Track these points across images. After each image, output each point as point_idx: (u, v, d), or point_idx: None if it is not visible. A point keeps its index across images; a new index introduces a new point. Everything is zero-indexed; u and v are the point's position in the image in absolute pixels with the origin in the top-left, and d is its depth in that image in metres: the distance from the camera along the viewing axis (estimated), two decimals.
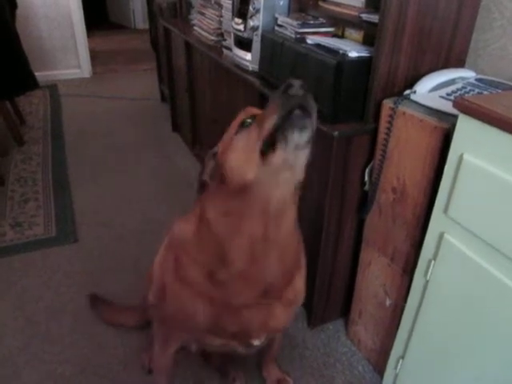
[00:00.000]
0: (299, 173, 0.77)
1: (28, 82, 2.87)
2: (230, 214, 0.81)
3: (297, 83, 0.69)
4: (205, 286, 0.89)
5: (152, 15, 3.52)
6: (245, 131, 0.76)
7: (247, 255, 0.83)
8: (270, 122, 0.70)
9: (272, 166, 0.73)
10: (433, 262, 1.00)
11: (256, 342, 0.99)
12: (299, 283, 0.97)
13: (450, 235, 0.94)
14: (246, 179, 0.74)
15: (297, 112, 0.69)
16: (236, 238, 0.82)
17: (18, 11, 3.04)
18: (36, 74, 2.95)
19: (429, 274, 1.02)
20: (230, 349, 1.05)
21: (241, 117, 0.80)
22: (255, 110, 0.81)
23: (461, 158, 0.87)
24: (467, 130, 0.85)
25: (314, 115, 0.71)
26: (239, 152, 0.76)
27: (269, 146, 0.71)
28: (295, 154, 0.72)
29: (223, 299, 0.89)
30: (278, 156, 0.71)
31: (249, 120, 0.77)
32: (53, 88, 4.04)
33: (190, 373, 1.38)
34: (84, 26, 4.29)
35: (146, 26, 4.64)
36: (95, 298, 1.57)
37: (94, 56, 4.72)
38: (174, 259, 0.94)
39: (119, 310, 1.54)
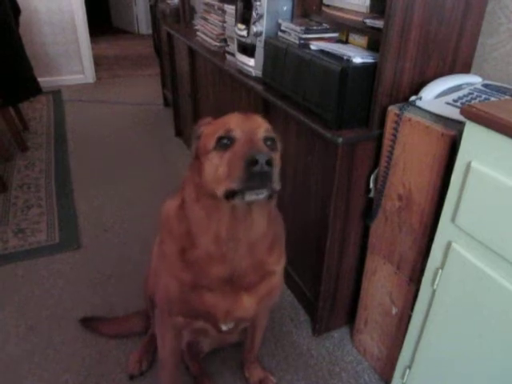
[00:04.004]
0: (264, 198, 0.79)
1: (31, 88, 2.89)
2: (201, 203, 0.86)
3: (262, 159, 0.71)
4: (177, 262, 0.95)
5: (155, 21, 3.53)
6: (219, 155, 0.79)
7: (212, 244, 0.88)
8: (233, 181, 0.75)
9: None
10: (440, 271, 0.98)
11: (224, 327, 1.04)
12: (274, 279, 0.99)
13: (457, 244, 0.92)
14: (215, 193, 0.79)
15: (256, 184, 0.74)
16: (203, 227, 0.88)
17: (22, 17, 3.05)
18: (39, 79, 2.96)
19: (436, 283, 1.00)
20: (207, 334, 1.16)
21: (223, 125, 0.82)
22: (233, 124, 0.81)
23: (468, 165, 0.85)
24: (475, 137, 0.84)
25: (274, 182, 0.75)
26: (212, 171, 0.80)
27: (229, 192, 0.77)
28: (253, 200, 0.79)
29: (190, 278, 0.94)
30: (236, 201, 0.78)
31: (225, 141, 0.79)
32: (56, 93, 4.05)
33: None
34: (88, 32, 4.30)
35: (150, 31, 4.66)
36: (86, 320, 1.55)
37: (98, 61, 4.73)
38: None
39: (120, 320, 1.53)
